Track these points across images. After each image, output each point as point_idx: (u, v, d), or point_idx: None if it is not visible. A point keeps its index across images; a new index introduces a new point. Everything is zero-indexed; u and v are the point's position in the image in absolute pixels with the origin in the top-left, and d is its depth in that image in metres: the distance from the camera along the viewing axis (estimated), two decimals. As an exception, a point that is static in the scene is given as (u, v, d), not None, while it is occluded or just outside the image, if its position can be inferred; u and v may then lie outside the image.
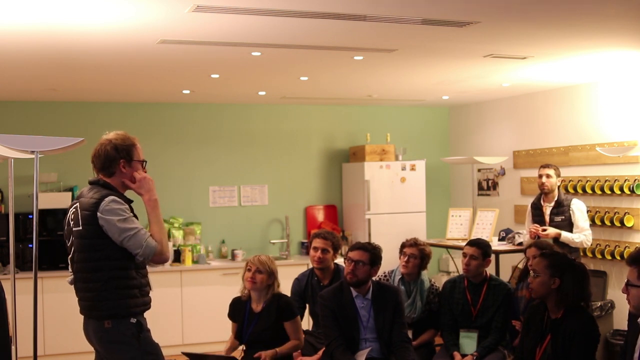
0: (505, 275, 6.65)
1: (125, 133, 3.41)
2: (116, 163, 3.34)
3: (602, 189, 6.42)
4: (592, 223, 6.20)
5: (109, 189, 3.32)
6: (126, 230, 3.21)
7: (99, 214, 3.21)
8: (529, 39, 4.71)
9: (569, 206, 5.97)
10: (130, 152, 3.36)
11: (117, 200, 3.25)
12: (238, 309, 4.46)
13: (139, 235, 3.23)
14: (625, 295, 3.31)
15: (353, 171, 8.06)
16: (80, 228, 3.27)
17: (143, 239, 3.23)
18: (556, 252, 4.10)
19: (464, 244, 5.25)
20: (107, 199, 3.23)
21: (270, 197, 8.06)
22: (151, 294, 3.44)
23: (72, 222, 3.34)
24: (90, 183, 3.39)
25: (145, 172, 3.46)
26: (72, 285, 3.42)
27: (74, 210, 3.34)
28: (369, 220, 7.76)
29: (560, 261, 3.78)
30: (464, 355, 4.73)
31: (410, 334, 4.65)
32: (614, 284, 6.39)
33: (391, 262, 5.22)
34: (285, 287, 5.01)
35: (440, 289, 5.06)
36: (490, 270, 5.11)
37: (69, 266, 3.45)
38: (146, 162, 3.47)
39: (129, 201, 3.37)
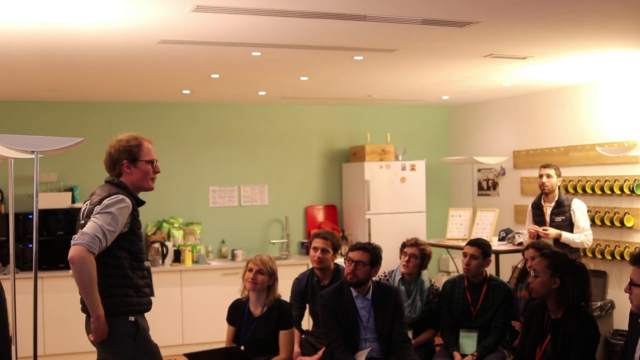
0: (505, 275, 6.65)
1: (134, 134, 3.44)
2: (120, 164, 3.37)
3: (602, 189, 6.42)
4: (592, 223, 6.19)
5: (122, 187, 3.34)
6: (97, 217, 3.16)
7: (98, 206, 3.21)
8: (529, 39, 4.71)
9: (569, 206, 5.96)
10: (134, 153, 3.38)
11: (123, 199, 3.24)
12: (237, 312, 4.37)
13: (95, 227, 3.13)
14: (628, 294, 3.31)
15: (353, 171, 8.06)
16: (83, 222, 3.29)
17: (93, 231, 3.11)
18: (557, 252, 4.09)
19: (464, 244, 5.25)
20: (115, 195, 3.24)
21: (270, 197, 8.06)
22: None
23: (81, 220, 3.36)
24: (105, 181, 3.41)
25: (158, 171, 3.47)
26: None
27: (85, 206, 3.37)
28: (369, 220, 7.76)
29: (560, 261, 3.78)
30: (464, 355, 4.73)
31: (410, 334, 4.66)
32: (614, 284, 6.39)
33: (391, 262, 5.22)
34: (285, 287, 5.01)
35: (440, 289, 5.06)
36: (490, 270, 5.11)
37: None
38: (155, 161, 3.46)
39: (140, 202, 3.38)
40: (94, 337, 3.21)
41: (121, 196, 3.24)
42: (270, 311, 4.27)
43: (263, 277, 4.26)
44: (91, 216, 3.21)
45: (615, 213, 6.30)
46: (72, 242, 3.14)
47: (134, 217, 3.31)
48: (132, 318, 3.25)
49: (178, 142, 7.73)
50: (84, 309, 3.34)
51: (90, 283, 3.11)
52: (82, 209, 3.40)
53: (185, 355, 4.04)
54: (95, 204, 3.25)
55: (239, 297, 4.43)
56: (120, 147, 3.37)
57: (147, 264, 3.49)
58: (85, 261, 3.08)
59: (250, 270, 4.29)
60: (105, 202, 3.21)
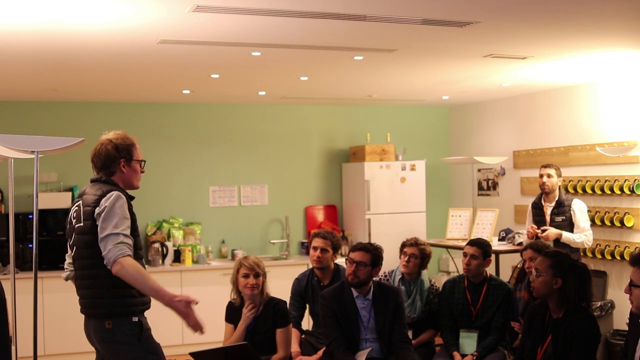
0: (505, 275, 6.65)
1: (124, 133, 3.44)
2: (117, 162, 3.36)
3: (602, 189, 6.42)
4: (592, 223, 6.19)
5: (113, 184, 3.33)
6: (106, 224, 3.16)
7: (97, 208, 3.21)
8: (529, 39, 4.71)
9: (569, 206, 5.96)
10: (131, 152, 3.40)
11: (119, 196, 3.24)
12: (235, 312, 4.38)
13: (112, 238, 3.14)
14: (628, 295, 3.31)
15: (353, 171, 8.06)
16: (82, 224, 3.28)
17: (114, 242, 3.12)
18: (559, 252, 4.08)
19: (464, 244, 5.25)
20: (110, 194, 3.23)
21: (270, 197, 8.06)
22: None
23: (74, 220, 3.34)
24: (92, 181, 3.40)
25: (143, 171, 3.47)
26: (71, 282, 3.43)
27: (77, 207, 3.35)
28: (369, 220, 7.76)
29: (563, 261, 3.77)
30: (464, 356, 4.73)
31: (410, 334, 4.66)
32: (614, 284, 6.39)
33: (391, 262, 5.22)
34: (285, 287, 5.01)
35: (440, 289, 5.06)
36: (490, 270, 5.11)
37: (65, 262, 3.49)
38: (145, 161, 3.50)
39: (130, 198, 3.38)
40: (192, 323, 3.37)
41: (116, 192, 3.25)
42: (266, 309, 4.29)
43: (259, 279, 4.28)
44: (99, 225, 3.17)
45: (615, 213, 6.30)
46: (106, 263, 3.13)
47: (130, 210, 3.32)
48: (135, 318, 3.27)
49: (178, 142, 7.73)
50: (84, 310, 3.35)
51: (142, 279, 3.13)
52: (73, 210, 3.38)
53: (191, 354, 4.03)
54: (92, 205, 3.23)
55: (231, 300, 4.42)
56: (118, 145, 3.36)
57: None
58: (127, 264, 3.10)
59: (247, 276, 4.27)
60: (105, 203, 3.20)
